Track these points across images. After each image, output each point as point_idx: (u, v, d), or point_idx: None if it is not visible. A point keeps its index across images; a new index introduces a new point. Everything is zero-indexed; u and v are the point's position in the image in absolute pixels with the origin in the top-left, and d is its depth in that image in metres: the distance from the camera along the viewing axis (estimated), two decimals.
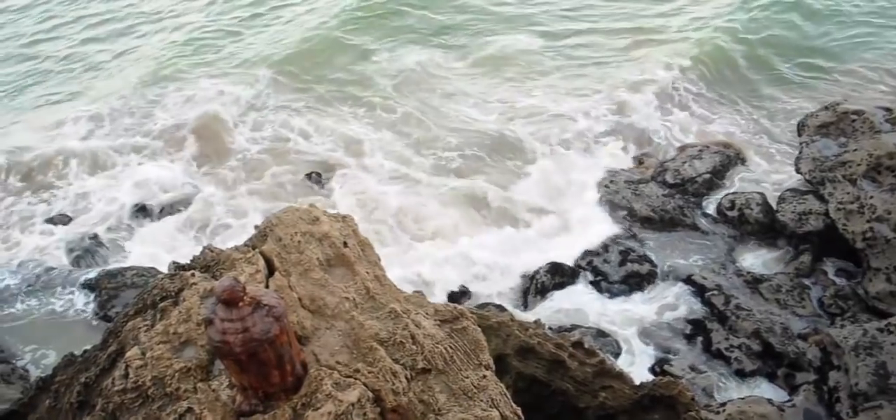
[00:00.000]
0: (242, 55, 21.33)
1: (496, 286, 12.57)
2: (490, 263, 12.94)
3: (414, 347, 5.61)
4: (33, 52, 23.26)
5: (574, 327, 11.24)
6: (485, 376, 5.72)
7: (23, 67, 22.30)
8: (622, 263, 12.61)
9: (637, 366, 10.77)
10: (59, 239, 14.08)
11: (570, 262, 12.74)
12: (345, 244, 6.38)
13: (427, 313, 6.18)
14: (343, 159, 16.27)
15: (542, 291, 12.25)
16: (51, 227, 14.54)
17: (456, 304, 6.54)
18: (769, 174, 14.91)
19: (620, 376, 8.54)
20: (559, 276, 12.45)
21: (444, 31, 21.50)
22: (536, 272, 12.55)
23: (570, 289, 12.32)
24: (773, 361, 10.63)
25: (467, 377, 5.63)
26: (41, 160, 16.61)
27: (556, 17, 21.90)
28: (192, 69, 20.54)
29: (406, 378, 5.41)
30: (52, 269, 13.24)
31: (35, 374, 10.57)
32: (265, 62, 20.31)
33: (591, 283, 12.42)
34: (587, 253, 12.94)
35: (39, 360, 11.31)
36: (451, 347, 5.79)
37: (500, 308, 11.44)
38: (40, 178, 16.22)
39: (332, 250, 6.30)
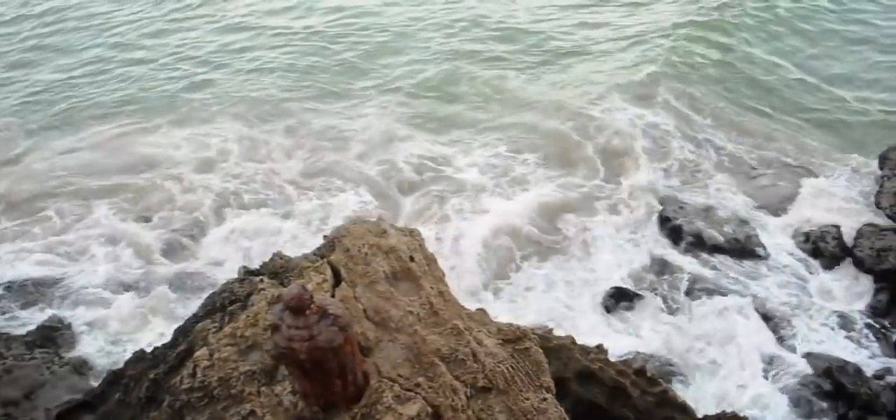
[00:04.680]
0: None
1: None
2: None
3: (475, 365, 5.60)
4: None
5: (637, 354, 11.05)
6: (545, 399, 5.68)
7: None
8: (688, 292, 12.37)
9: (701, 397, 10.52)
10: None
11: (633, 287, 12.55)
12: (411, 258, 6.43)
13: (490, 331, 6.17)
14: None
15: (605, 316, 12.09)
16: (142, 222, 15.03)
17: (520, 325, 6.51)
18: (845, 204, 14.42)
19: (683, 408, 8.38)
20: (624, 300, 12.28)
21: None
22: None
23: (634, 314, 12.13)
24: (844, 402, 10.24)
25: (528, 399, 5.59)
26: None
27: None
28: None
29: (466, 395, 5.41)
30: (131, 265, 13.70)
31: (106, 367, 10.92)
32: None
33: (658, 308, 12.19)
34: (652, 280, 12.73)
35: (111, 353, 11.67)
36: (512, 367, 5.76)
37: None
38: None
39: (398, 264, 6.35)
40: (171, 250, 14.14)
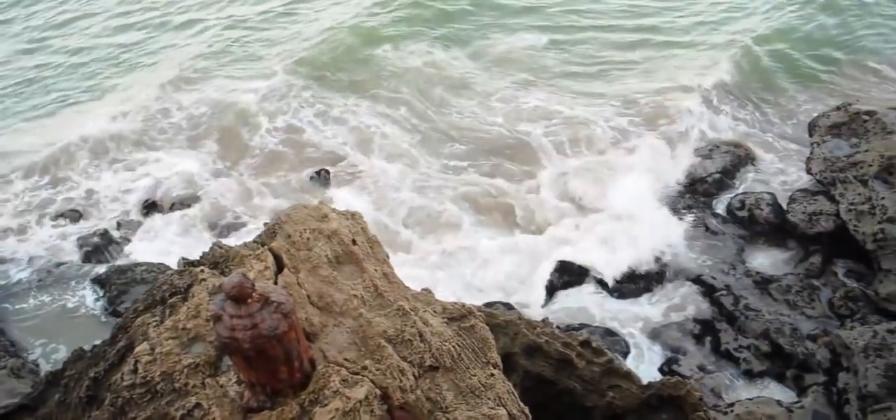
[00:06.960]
0: (263, 53, 21.55)
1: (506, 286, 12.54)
2: (500, 262, 12.93)
3: (422, 345, 5.61)
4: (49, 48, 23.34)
5: (582, 326, 11.22)
6: (492, 375, 5.72)
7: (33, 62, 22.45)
8: (630, 265, 12.58)
9: (645, 365, 10.75)
10: (71, 234, 14.19)
11: (579, 262, 12.70)
12: (353, 241, 6.39)
13: (435, 311, 6.18)
14: (354, 156, 16.32)
15: (551, 290, 12.23)
16: (62, 221, 14.67)
17: (464, 302, 6.53)
18: (780, 174, 14.83)
19: (628, 376, 8.53)
20: (567, 275, 12.43)
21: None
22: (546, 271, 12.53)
23: (578, 288, 12.29)
24: (781, 362, 10.57)
25: (475, 375, 5.62)
26: (57, 155, 16.89)
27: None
28: (214, 70, 20.69)
29: (414, 376, 5.41)
30: (62, 263, 13.33)
31: (45, 368, 10.63)
32: (286, 60, 20.47)
33: (600, 282, 12.38)
34: (595, 250, 12.91)
35: (50, 354, 11.37)
36: (458, 345, 5.79)
37: (507, 307, 11.43)
38: (55, 173, 16.42)
39: (340, 247, 6.31)
40: (100, 246, 13.89)
